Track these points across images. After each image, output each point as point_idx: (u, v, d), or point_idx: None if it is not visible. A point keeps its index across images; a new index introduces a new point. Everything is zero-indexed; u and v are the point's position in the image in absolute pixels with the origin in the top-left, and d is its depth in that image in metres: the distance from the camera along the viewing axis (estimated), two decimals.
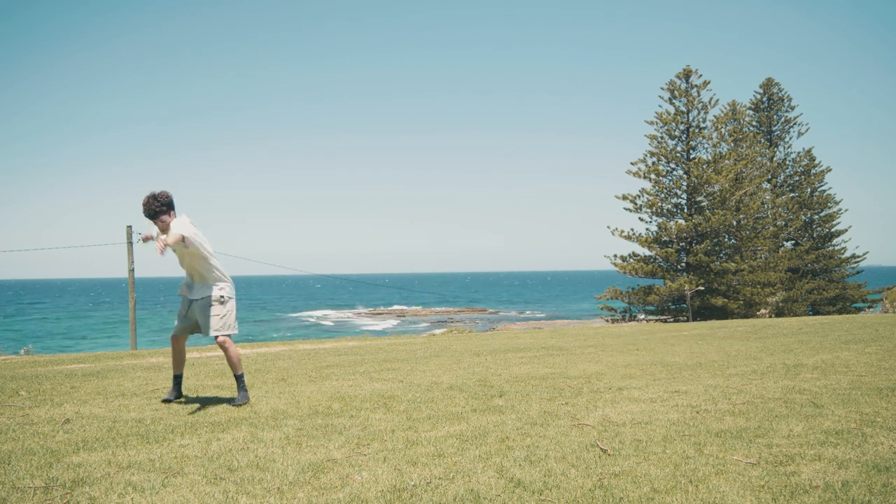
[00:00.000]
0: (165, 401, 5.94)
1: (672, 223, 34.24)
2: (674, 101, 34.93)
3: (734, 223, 34.59)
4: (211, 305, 5.68)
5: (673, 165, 34.90)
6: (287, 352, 11.78)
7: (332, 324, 62.49)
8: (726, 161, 34.17)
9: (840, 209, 42.99)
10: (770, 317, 34.99)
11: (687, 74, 34.71)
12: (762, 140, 42.41)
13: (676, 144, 34.88)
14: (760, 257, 37.06)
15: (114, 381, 7.72)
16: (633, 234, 34.90)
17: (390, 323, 62.02)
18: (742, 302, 33.20)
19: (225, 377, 7.98)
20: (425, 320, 63.72)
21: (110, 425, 5.05)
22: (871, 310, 40.90)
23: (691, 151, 34.91)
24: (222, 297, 5.72)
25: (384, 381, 7.27)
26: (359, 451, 4.12)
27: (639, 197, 34.94)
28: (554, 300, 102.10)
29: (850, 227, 44.84)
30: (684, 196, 35.00)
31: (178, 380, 6.05)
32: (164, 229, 5.58)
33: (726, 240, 35.44)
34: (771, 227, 38.07)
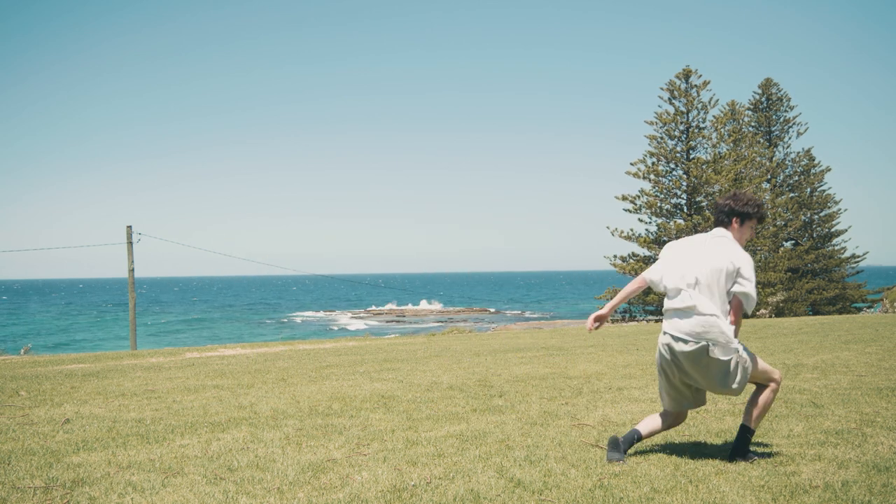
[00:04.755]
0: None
1: (672, 223, 34.22)
2: (673, 101, 34.92)
3: None
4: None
5: (672, 166, 34.89)
6: (287, 352, 11.78)
7: (330, 324, 62.51)
8: (726, 161, 34.16)
9: (840, 209, 42.98)
10: (770, 317, 35.01)
11: (687, 74, 34.70)
12: (761, 140, 42.41)
13: (676, 145, 34.87)
14: (760, 257, 37.05)
15: (114, 381, 7.72)
16: (633, 234, 34.90)
17: (390, 323, 62.02)
18: None
19: (225, 377, 7.98)
20: (425, 320, 63.72)
21: (110, 425, 5.05)
22: (871, 310, 40.91)
23: (691, 152, 34.91)
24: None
25: (384, 381, 7.27)
26: (359, 451, 4.12)
27: (638, 197, 34.92)
28: (554, 300, 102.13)
29: (850, 227, 44.75)
30: (684, 196, 34.99)
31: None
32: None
33: None
34: (771, 227, 38.05)
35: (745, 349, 3.80)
